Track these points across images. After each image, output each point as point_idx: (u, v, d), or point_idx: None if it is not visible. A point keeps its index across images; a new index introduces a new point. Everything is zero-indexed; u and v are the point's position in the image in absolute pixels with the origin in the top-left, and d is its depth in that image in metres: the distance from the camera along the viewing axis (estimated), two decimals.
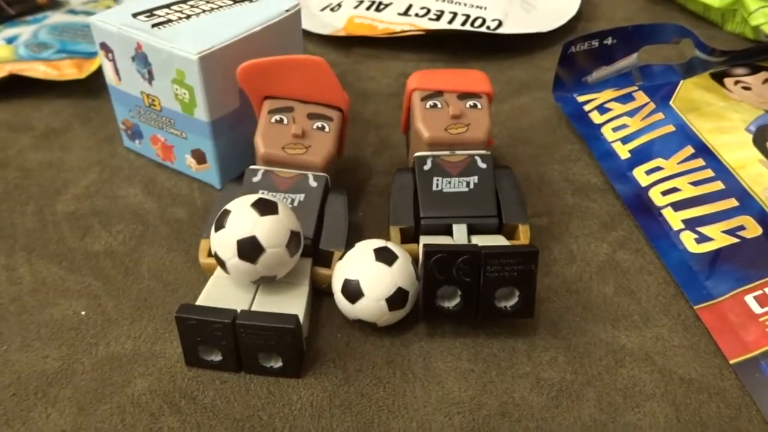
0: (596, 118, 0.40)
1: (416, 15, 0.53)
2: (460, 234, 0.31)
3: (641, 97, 0.40)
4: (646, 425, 0.26)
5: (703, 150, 0.35)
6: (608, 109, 0.40)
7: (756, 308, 0.28)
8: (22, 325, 0.29)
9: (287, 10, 0.36)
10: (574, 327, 0.29)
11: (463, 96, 0.34)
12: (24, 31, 0.49)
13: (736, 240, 0.31)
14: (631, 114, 0.39)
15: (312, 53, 0.51)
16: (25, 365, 0.27)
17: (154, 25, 0.34)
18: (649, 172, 0.36)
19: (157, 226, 0.34)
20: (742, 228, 0.31)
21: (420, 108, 0.34)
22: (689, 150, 0.35)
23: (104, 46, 0.35)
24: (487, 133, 0.33)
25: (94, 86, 0.45)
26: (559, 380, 0.27)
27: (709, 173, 0.34)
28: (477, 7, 0.53)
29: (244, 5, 0.36)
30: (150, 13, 0.35)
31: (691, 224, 0.32)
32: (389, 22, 0.52)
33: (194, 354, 0.27)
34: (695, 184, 0.34)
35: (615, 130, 0.39)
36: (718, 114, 0.37)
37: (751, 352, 0.27)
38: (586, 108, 0.41)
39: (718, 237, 0.31)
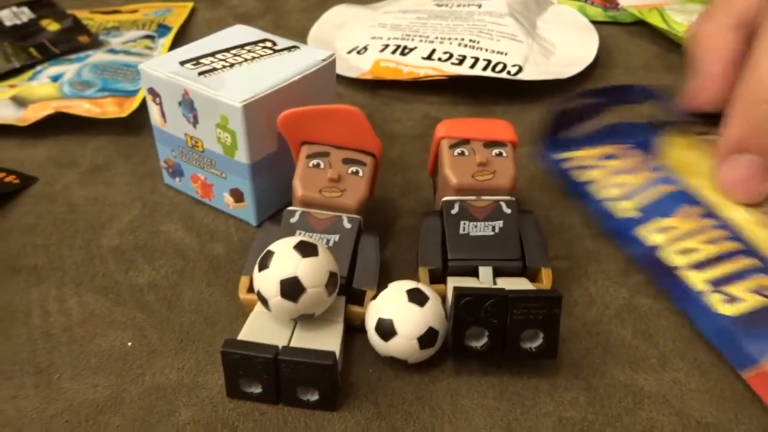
0: (584, 176, 0.40)
1: (439, 59, 0.55)
2: (485, 276, 0.32)
3: (629, 155, 0.40)
4: None
5: (708, 210, 0.35)
6: (597, 167, 0.40)
7: None
8: (73, 355, 0.31)
9: (323, 60, 0.38)
10: (595, 368, 0.31)
11: (489, 144, 0.36)
12: (68, 69, 0.51)
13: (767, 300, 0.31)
14: (625, 172, 0.39)
15: (340, 95, 0.53)
16: (77, 393, 0.29)
17: (200, 73, 0.36)
18: (660, 230, 0.35)
19: (197, 261, 0.36)
20: None
21: (448, 155, 0.36)
22: (697, 209, 0.35)
23: (152, 91, 0.38)
24: (512, 180, 0.35)
25: (134, 124, 0.47)
26: (581, 420, 0.29)
27: (722, 233, 0.34)
28: (498, 52, 0.55)
29: (282, 55, 0.39)
30: (196, 61, 0.37)
31: (716, 284, 0.32)
32: (414, 65, 0.55)
33: (236, 386, 0.28)
34: (710, 243, 0.34)
35: (609, 188, 0.38)
36: (709, 173, 0.37)
37: None
38: (569, 165, 0.41)
39: (748, 297, 0.31)
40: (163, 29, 0.60)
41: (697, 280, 0.33)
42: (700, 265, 0.33)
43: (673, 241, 0.35)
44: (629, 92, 0.43)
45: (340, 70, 0.55)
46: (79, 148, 0.45)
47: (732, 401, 0.29)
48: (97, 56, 0.53)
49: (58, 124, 0.47)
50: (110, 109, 0.47)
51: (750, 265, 0.33)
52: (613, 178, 0.39)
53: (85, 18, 0.62)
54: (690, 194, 0.37)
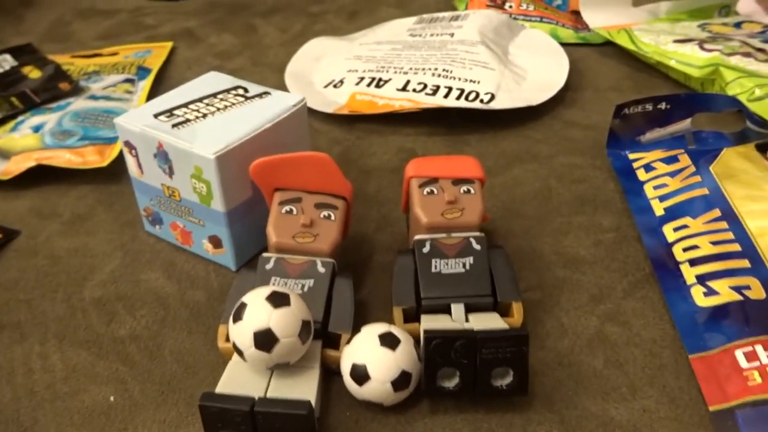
0: (641, 175, 0.44)
1: (414, 90, 0.56)
2: (458, 313, 0.33)
3: (684, 160, 0.44)
4: None
5: (729, 214, 0.38)
6: (653, 168, 0.44)
7: (743, 362, 0.31)
8: (57, 412, 0.31)
9: (294, 105, 0.39)
10: (567, 400, 0.32)
11: (458, 182, 0.37)
12: (49, 118, 0.52)
13: (740, 297, 0.34)
14: (672, 174, 0.43)
15: (318, 130, 0.54)
16: None
17: (174, 125, 0.37)
18: (676, 229, 0.39)
19: (178, 309, 0.37)
20: (747, 288, 0.34)
21: (418, 194, 0.37)
22: (716, 213, 0.39)
23: (128, 144, 0.38)
24: (480, 216, 0.36)
25: (115, 171, 0.48)
26: None
27: (729, 236, 0.37)
28: (471, 81, 0.56)
29: (254, 102, 0.40)
30: (170, 113, 0.38)
31: (702, 279, 0.35)
32: (389, 98, 0.56)
33: None
34: (715, 243, 0.37)
35: (655, 188, 0.42)
36: (753, 183, 0.40)
37: (730, 402, 0.30)
38: (635, 165, 0.45)
39: (724, 292, 0.34)
40: (142, 72, 0.61)
41: (690, 274, 0.36)
42: (697, 261, 0.36)
43: (683, 238, 0.38)
44: (713, 101, 0.45)
45: (317, 105, 0.56)
46: (61, 198, 0.46)
47: (701, 427, 0.30)
48: (78, 103, 0.54)
49: (40, 175, 0.48)
50: (91, 158, 0.48)
51: (740, 266, 0.35)
52: (665, 179, 0.42)
53: (66, 63, 0.63)
54: (717, 199, 0.39)
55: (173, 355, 0.34)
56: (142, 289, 0.38)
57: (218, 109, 0.39)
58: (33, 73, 0.60)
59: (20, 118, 0.53)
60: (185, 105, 0.39)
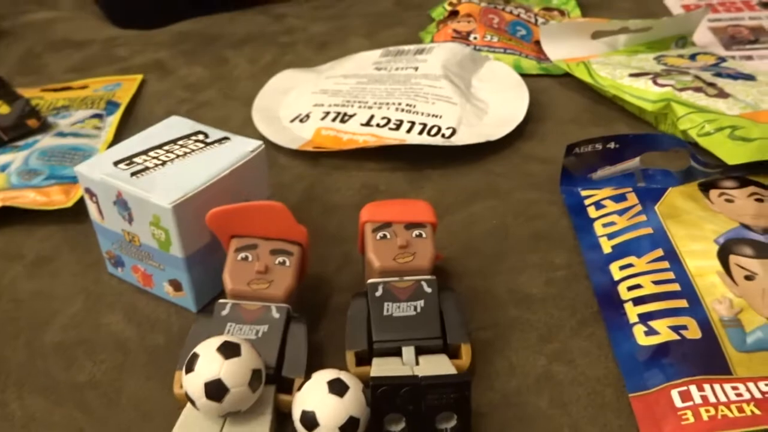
0: (592, 212, 0.45)
1: (377, 125, 0.57)
2: (408, 355, 0.35)
3: (632, 199, 0.45)
4: None
5: (671, 254, 0.40)
6: (603, 206, 0.46)
7: (678, 402, 0.32)
8: None
9: (252, 151, 0.41)
10: None
11: (410, 226, 0.39)
12: (15, 157, 0.53)
13: (677, 337, 0.35)
14: (620, 213, 0.44)
15: (283, 165, 0.56)
16: None
17: (132, 174, 0.38)
18: (622, 267, 0.40)
19: (137, 353, 0.38)
20: (685, 327, 0.35)
21: (371, 239, 0.38)
22: (659, 252, 0.40)
23: (88, 191, 0.39)
24: (431, 260, 0.37)
25: (81, 210, 0.49)
26: None
27: (670, 275, 0.38)
28: (433, 115, 0.58)
29: (213, 148, 0.41)
30: (129, 161, 0.39)
31: (644, 318, 0.37)
32: (353, 132, 0.57)
33: None
34: (656, 283, 0.38)
35: (605, 225, 0.44)
36: (694, 223, 0.42)
37: None
38: (586, 202, 0.47)
39: (663, 331, 0.36)
40: (111, 106, 0.62)
41: (633, 313, 0.37)
42: (639, 300, 0.38)
43: (628, 277, 0.39)
44: (659, 141, 0.47)
45: (283, 141, 0.57)
46: (27, 238, 0.47)
47: None
48: (46, 141, 0.55)
49: (6, 215, 0.48)
50: (56, 197, 0.49)
51: (679, 306, 0.37)
52: (614, 218, 0.44)
53: (35, 96, 0.64)
54: (661, 239, 0.41)
55: (131, 402, 0.35)
56: (102, 333, 0.39)
57: (177, 155, 0.40)
58: (2, 108, 0.60)
59: None
60: (145, 152, 0.40)
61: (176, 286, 0.40)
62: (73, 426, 0.34)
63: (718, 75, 0.61)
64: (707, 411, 0.32)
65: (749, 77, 0.61)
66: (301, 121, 0.60)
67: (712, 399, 0.32)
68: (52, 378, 0.36)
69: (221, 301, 0.36)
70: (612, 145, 0.47)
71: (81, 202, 0.49)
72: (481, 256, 0.45)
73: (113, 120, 0.60)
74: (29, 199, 0.48)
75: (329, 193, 0.52)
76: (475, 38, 0.73)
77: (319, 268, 0.44)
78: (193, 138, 0.42)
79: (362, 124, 0.58)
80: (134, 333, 0.39)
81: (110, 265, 0.43)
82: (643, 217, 0.43)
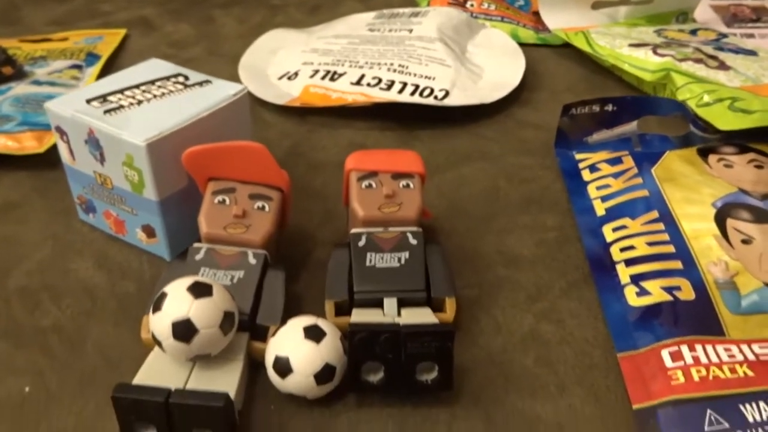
0: (586, 175, 0.44)
1: (368, 84, 0.56)
2: (390, 307, 0.33)
3: (628, 162, 0.44)
4: None
5: (667, 216, 0.39)
6: (598, 169, 0.44)
7: (668, 362, 0.31)
8: None
9: (234, 94, 0.39)
10: (495, 398, 0.31)
11: (397, 176, 0.37)
12: None
13: (670, 298, 0.34)
14: (616, 175, 0.43)
15: (268, 122, 0.54)
16: None
17: (106, 111, 0.36)
18: (615, 229, 0.39)
19: (106, 300, 0.36)
20: (678, 288, 0.34)
21: (356, 188, 0.36)
22: (654, 214, 0.39)
23: (59, 129, 0.37)
24: (418, 211, 0.36)
25: (53, 158, 0.47)
26: None
27: (665, 237, 0.37)
28: (426, 77, 0.56)
29: (193, 90, 0.39)
30: (103, 98, 0.37)
31: (636, 279, 0.35)
32: (342, 91, 0.55)
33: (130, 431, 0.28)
34: (651, 244, 0.37)
35: (598, 188, 0.42)
36: (691, 186, 0.41)
37: (653, 400, 0.30)
38: (580, 166, 0.45)
39: (656, 292, 0.34)
40: (92, 58, 0.60)
41: (625, 274, 0.36)
42: (632, 262, 0.36)
43: (621, 239, 0.38)
44: (658, 104, 0.46)
45: (270, 97, 0.55)
46: None
47: (624, 426, 0.30)
48: (20, 88, 0.53)
49: None
50: (28, 144, 0.46)
51: (673, 267, 0.35)
52: (608, 180, 0.43)
53: (12, 47, 0.61)
54: (656, 201, 0.40)
55: (96, 348, 0.33)
56: (70, 279, 0.37)
57: (155, 96, 0.38)
58: None
59: None
60: (121, 91, 0.38)
61: (149, 232, 0.38)
62: (35, 369, 0.32)
63: (719, 49, 0.59)
64: (698, 371, 0.30)
65: (751, 52, 0.60)
66: (289, 78, 0.58)
67: (704, 360, 0.31)
68: (14, 321, 0.34)
69: (195, 245, 0.34)
70: (609, 107, 0.46)
71: (54, 149, 0.47)
72: (470, 216, 0.43)
73: (93, 71, 0.58)
74: (0, 144, 0.46)
75: (315, 151, 0.50)
76: (471, 5, 0.71)
77: (300, 223, 0.42)
78: (173, 80, 0.40)
79: (352, 83, 0.56)
80: (104, 280, 0.37)
81: (81, 211, 0.41)
82: (639, 180, 0.42)
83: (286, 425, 0.30)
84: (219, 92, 0.39)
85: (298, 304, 0.36)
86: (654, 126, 0.48)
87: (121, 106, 0.37)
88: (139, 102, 0.37)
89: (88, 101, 0.37)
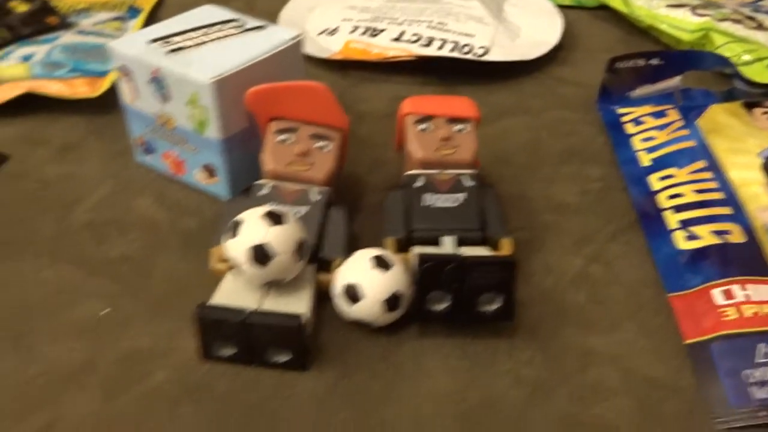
0: (630, 129, 0.45)
1: (408, 41, 0.56)
2: (448, 245, 0.34)
3: (673, 115, 0.45)
4: (612, 417, 0.29)
5: (713, 165, 0.40)
6: (642, 122, 0.45)
7: (719, 300, 0.32)
8: (50, 322, 0.32)
9: (291, 39, 0.39)
10: (550, 331, 0.33)
11: (452, 120, 0.38)
12: (38, 50, 0.52)
13: (720, 241, 0.35)
14: (660, 128, 0.44)
15: (310, 75, 0.54)
16: (54, 357, 0.30)
17: (170, 51, 0.37)
18: (662, 178, 0.40)
19: (169, 234, 0.37)
20: (728, 233, 0.35)
21: (413, 130, 0.37)
22: (702, 164, 0.40)
23: (122, 69, 0.38)
24: (474, 154, 0.36)
25: (106, 103, 0.48)
26: (536, 377, 0.30)
27: (713, 185, 0.38)
28: (465, 34, 0.57)
29: (251, 34, 0.40)
30: (166, 40, 0.38)
31: (685, 224, 0.37)
32: (383, 47, 0.56)
33: (209, 349, 0.29)
34: (699, 192, 0.38)
35: (643, 140, 0.43)
36: (737, 137, 0.42)
37: (705, 335, 0.31)
38: (623, 119, 0.46)
39: (706, 236, 0.35)
40: (133, 11, 0.60)
41: (673, 220, 0.37)
42: (680, 208, 0.38)
43: (669, 187, 0.39)
44: (704, 59, 0.47)
45: (311, 51, 0.56)
46: (51, 126, 0.46)
47: (677, 359, 0.31)
48: (67, 37, 0.54)
49: (30, 103, 0.47)
50: (81, 89, 0.47)
51: (723, 213, 0.37)
52: (653, 133, 0.44)
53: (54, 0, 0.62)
54: (702, 151, 0.41)
55: (165, 276, 0.34)
56: (133, 214, 0.38)
57: (214, 39, 0.39)
58: (20, 7, 0.58)
59: (7, 49, 0.52)
60: (181, 33, 0.39)
61: (210, 171, 0.39)
62: (108, 294, 0.33)
63: (756, 11, 0.60)
64: (750, 308, 0.31)
65: None
66: (329, 34, 0.58)
67: (756, 298, 0.32)
68: (83, 251, 0.36)
69: (259, 181, 0.35)
70: (655, 61, 0.46)
71: (107, 95, 0.48)
72: (514, 166, 0.44)
73: (136, 23, 0.58)
74: (53, 89, 0.47)
75: (358, 103, 0.51)
76: None
77: (350, 170, 0.43)
78: (229, 24, 0.40)
79: (392, 40, 0.56)
80: (165, 216, 0.38)
81: (140, 152, 0.42)
82: (685, 131, 0.42)
83: (352, 350, 0.31)
84: (275, 36, 0.39)
85: (354, 244, 0.37)
86: (697, 80, 0.48)
87: (184, 47, 0.37)
88: (200, 44, 0.38)
89: (152, 41, 0.38)
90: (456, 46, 0.55)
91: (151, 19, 0.61)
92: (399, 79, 0.54)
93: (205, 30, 0.40)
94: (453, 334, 0.32)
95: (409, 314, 0.32)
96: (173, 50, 0.37)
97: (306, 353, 0.30)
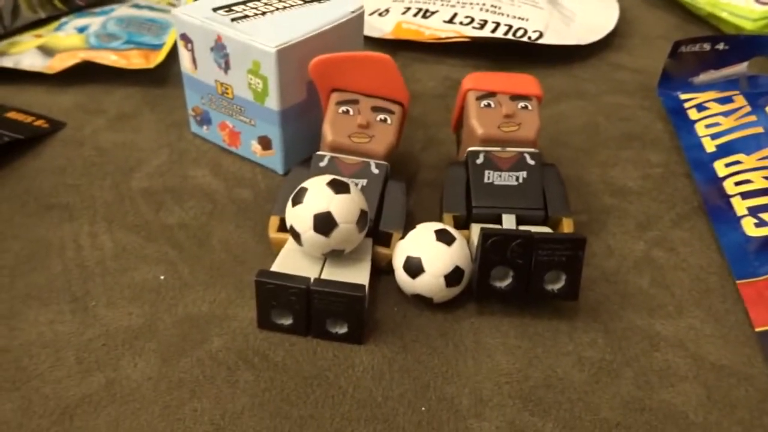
0: (693, 114, 0.44)
1: (461, 23, 0.55)
2: (508, 223, 0.33)
3: (740, 101, 0.43)
4: (679, 403, 0.28)
5: None
6: (706, 108, 0.44)
7: None
8: (107, 286, 0.32)
9: (353, 12, 0.39)
10: (612, 313, 0.32)
11: (515, 97, 0.37)
12: (93, 21, 0.52)
13: None
14: (726, 114, 0.43)
15: None
16: (112, 320, 0.30)
17: (233, 20, 0.37)
18: (728, 164, 0.39)
19: (225, 204, 0.37)
20: None
21: (475, 107, 0.36)
22: None
23: (184, 37, 0.38)
24: (537, 132, 0.36)
25: (160, 76, 0.48)
26: (599, 359, 0.29)
27: None
28: (519, 18, 0.56)
29: (313, 5, 0.39)
30: (229, 8, 0.38)
31: (754, 211, 0.35)
32: (435, 28, 0.55)
33: (267, 317, 0.29)
34: None
35: (708, 126, 0.42)
36: None
37: None
38: (686, 105, 0.45)
39: None
40: None
41: (741, 206, 0.36)
42: (749, 195, 0.36)
43: (736, 173, 0.38)
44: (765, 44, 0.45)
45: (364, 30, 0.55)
46: (106, 96, 0.46)
47: (746, 346, 0.30)
48: (122, 10, 0.54)
49: (85, 74, 0.47)
50: (136, 60, 0.47)
51: None
52: (718, 119, 0.42)
53: None
54: None
55: (221, 244, 0.34)
56: (189, 183, 0.38)
57: (277, 8, 0.38)
58: None
59: (64, 20, 0.53)
60: (244, 2, 0.39)
61: (265, 144, 0.39)
62: (166, 259, 0.33)
63: None
64: None
65: None
66: (380, 15, 0.58)
67: None
68: (141, 217, 0.36)
69: (319, 152, 0.34)
70: (721, 45, 0.45)
71: (161, 67, 0.48)
72: (572, 149, 0.43)
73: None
74: (110, 59, 0.47)
75: (410, 83, 0.50)
76: None
77: (404, 148, 0.43)
78: None
79: (445, 21, 0.56)
80: (221, 186, 0.38)
81: (195, 123, 0.42)
82: (752, 117, 0.41)
83: (410, 325, 0.31)
84: (338, 8, 0.39)
85: (410, 220, 0.37)
86: (764, 67, 0.47)
87: (247, 16, 0.37)
88: (263, 13, 0.38)
89: (215, 10, 0.38)
90: (510, 30, 0.54)
91: None
92: (451, 60, 0.53)
93: (267, 0, 0.39)
94: (512, 314, 0.31)
95: (466, 291, 0.31)
96: (235, 19, 0.37)
97: (364, 326, 0.29)
